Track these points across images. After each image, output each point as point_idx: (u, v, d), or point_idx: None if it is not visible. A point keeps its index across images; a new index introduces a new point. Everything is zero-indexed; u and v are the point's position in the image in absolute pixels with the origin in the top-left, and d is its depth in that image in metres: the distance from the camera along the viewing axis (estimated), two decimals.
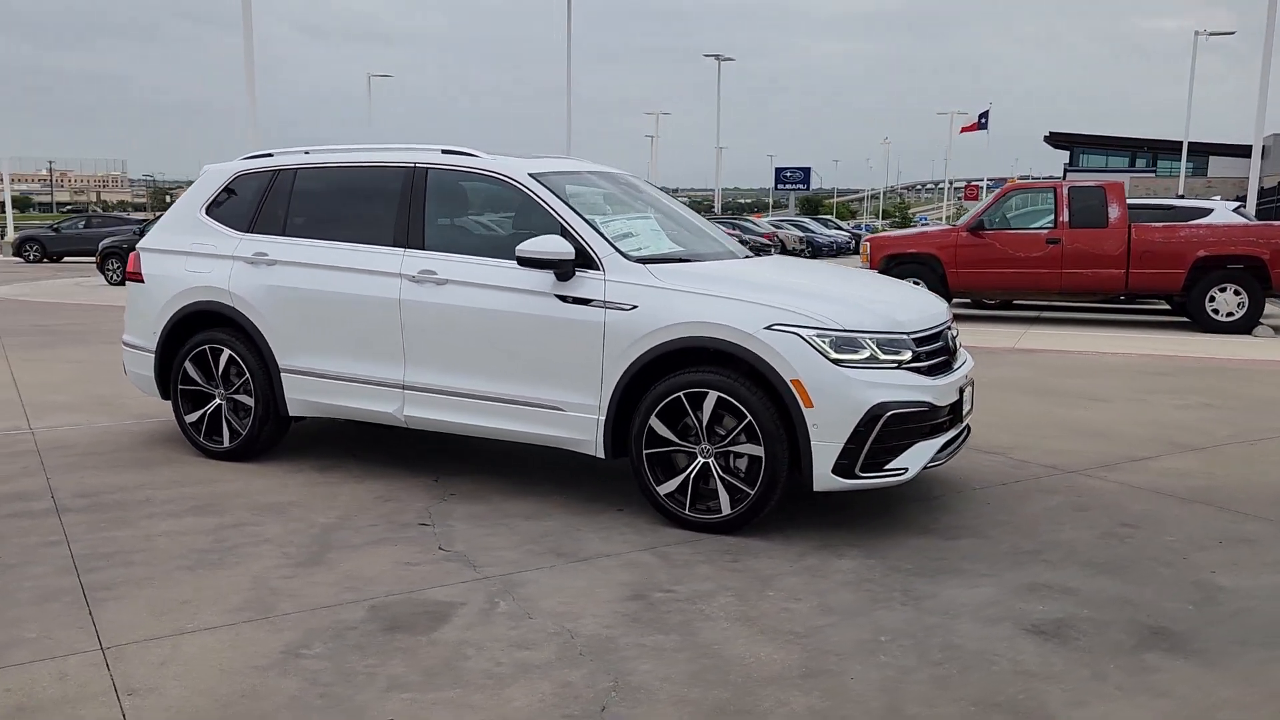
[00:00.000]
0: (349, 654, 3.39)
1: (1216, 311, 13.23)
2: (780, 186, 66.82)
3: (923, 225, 34.03)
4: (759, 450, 4.50)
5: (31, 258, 32.05)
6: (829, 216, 61.16)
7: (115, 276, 20.56)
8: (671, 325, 4.65)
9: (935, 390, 4.62)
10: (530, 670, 3.30)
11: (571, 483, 5.47)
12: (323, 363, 5.52)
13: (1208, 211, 15.06)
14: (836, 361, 4.43)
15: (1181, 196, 25.12)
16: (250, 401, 5.74)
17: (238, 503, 5.08)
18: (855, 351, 4.47)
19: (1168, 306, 15.38)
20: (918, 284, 14.16)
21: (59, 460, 5.88)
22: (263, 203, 5.84)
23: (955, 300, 15.59)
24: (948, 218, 62.65)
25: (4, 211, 40.15)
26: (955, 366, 4.99)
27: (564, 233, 4.95)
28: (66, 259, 31.73)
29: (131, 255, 6.31)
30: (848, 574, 4.19)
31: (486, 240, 5.37)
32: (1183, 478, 5.73)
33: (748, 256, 5.74)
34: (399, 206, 5.40)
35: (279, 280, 5.60)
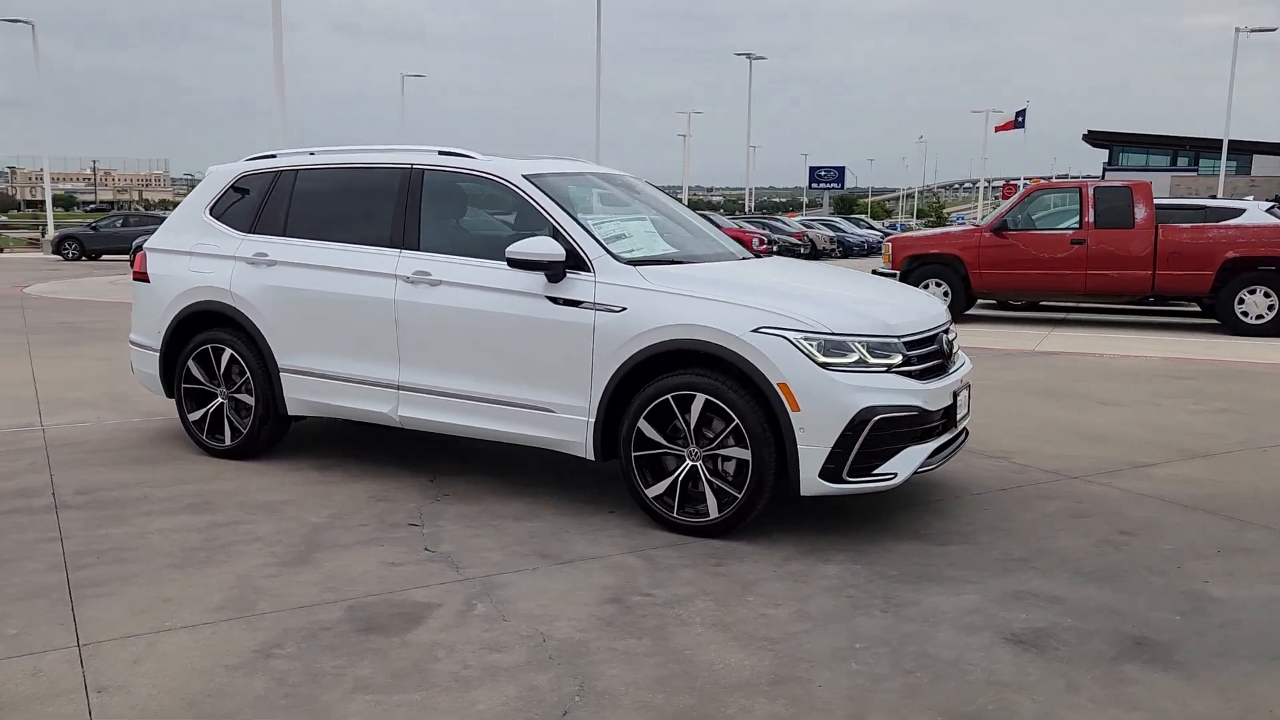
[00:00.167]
0: (320, 654, 3.41)
1: (1246, 314, 13.01)
2: (814, 186, 66.53)
3: (959, 224, 33.65)
4: (746, 454, 4.48)
5: (70, 255, 32.59)
6: (861, 216, 60.75)
7: None
8: (660, 327, 4.63)
9: (926, 394, 4.57)
10: (498, 673, 3.30)
11: (566, 484, 5.47)
12: (320, 363, 5.56)
13: (1240, 212, 14.77)
14: (824, 365, 4.39)
15: (1214, 196, 24.71)
16: (251, 401, 5.79)
17: (233, 501, 5.13)
18: (843, 355, 4.43)
19: (1198, 309, 15.13)
20: (939, 285, 14.05)
21: (65, 457, 5.96)
22: (264, 203, 5.90)
23: (980, 301, 15.45)
24: (983, 217, 62.06)
25: (45, 210, 40.84)
26: (950, 370, 4.93)
27: (555, 234, 4.96)
28: (104, 257, 32.24)
29: (138, 255, 6.39)
30: (831, 580, 4.16)
31: (480, 241, 5.38)
32: (1188, 484, 5.64)
33: (744, 259, 5.70)
34: (395, 207, 5.43)
35: (278, 280, 5.65)
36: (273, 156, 6.08)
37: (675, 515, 4.67)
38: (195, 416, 6.02)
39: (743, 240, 29.28)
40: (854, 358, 4.45)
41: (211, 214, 6.10)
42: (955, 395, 4.85)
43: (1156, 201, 13.77)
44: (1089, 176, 57.63)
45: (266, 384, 5.71)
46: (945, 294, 14.05)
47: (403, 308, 5.25)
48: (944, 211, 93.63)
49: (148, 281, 6.21)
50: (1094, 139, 67.03)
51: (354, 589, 3.99)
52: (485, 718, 3.02)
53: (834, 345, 4.44)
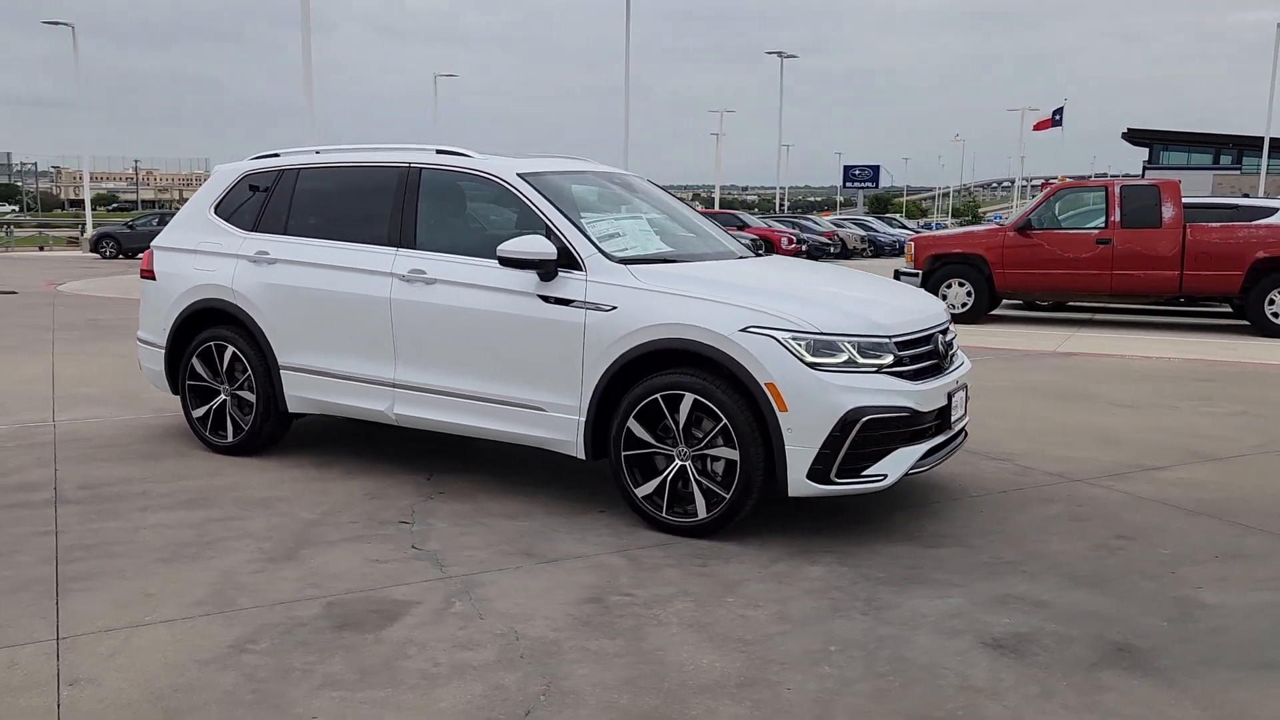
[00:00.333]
0: (293, 650, 3.43)
1: (1276, 315, 12.76)
2: (849, 185, 66.15)
3: (998, 224, 33.25)
4: (734, 454, 4.45)
5: (108, 254, 33.11)
6: (894, 215, 60.32)
7: None
8: (649, 326, 4.61)
9: (918, 395, 4.52)
10: (466, 671, 3.30)
11: (562, 483, 5.47)
12: (318, 360, 5.59)
13: (1272, 211, 14.47)
14: (812, 365, 4.35)
15: (1246, 195, 24.25)
16: (252, 398, 5.84)
17: (229, 497, 5.18)
18: (832, 355, 4.39)
19: (1229, 310, 14.85)
20: (961, 285, 13.89)
21: (72, 452, 6.05)
22: (267, 202, 5.95)
23: (1006, 302, 15.28)
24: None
25: (84, 209, 41.52)
26: (946, 371, 4.87)
27: (549, 233, 4.95)
28: (140, 255, 32.67)
29: (145, 254, 6.47)
30: (815, 581, 4.12)
31: (476, 240, 5.38)
32: (1194, 488, 5.53)
33: (743, 258, 5.66)
34: (393, 206, 5.46)
35: (278, 278, 5.70)
36: (276, 155, 6.13)
37: (664, 515, 4.65)
38: (199, 413, 6.09)
39: (771, 239, 29.14)
40: (843, 358, 4.40)
41: (216, 212, 6.16)
42: (950, 396, 4.79)
43: (1186, 200, 13.53)
44: (1128, 175, 56.77)
45: (267, 381, 5.76)
46: (968, 294, 13.91)
47: (398, 306, 5.28)
48: (979, 211, 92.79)
49: (154, 279, 6.28)
50: (1133, 137, 66.00)
51: (335, 586, 4.01)
52: (447, 716, 3.02)
53: (823, 345, 4.40)
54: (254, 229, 5.93)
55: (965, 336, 12.04)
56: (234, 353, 5.88)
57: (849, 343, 4.43)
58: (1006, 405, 7.84)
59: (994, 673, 3.33)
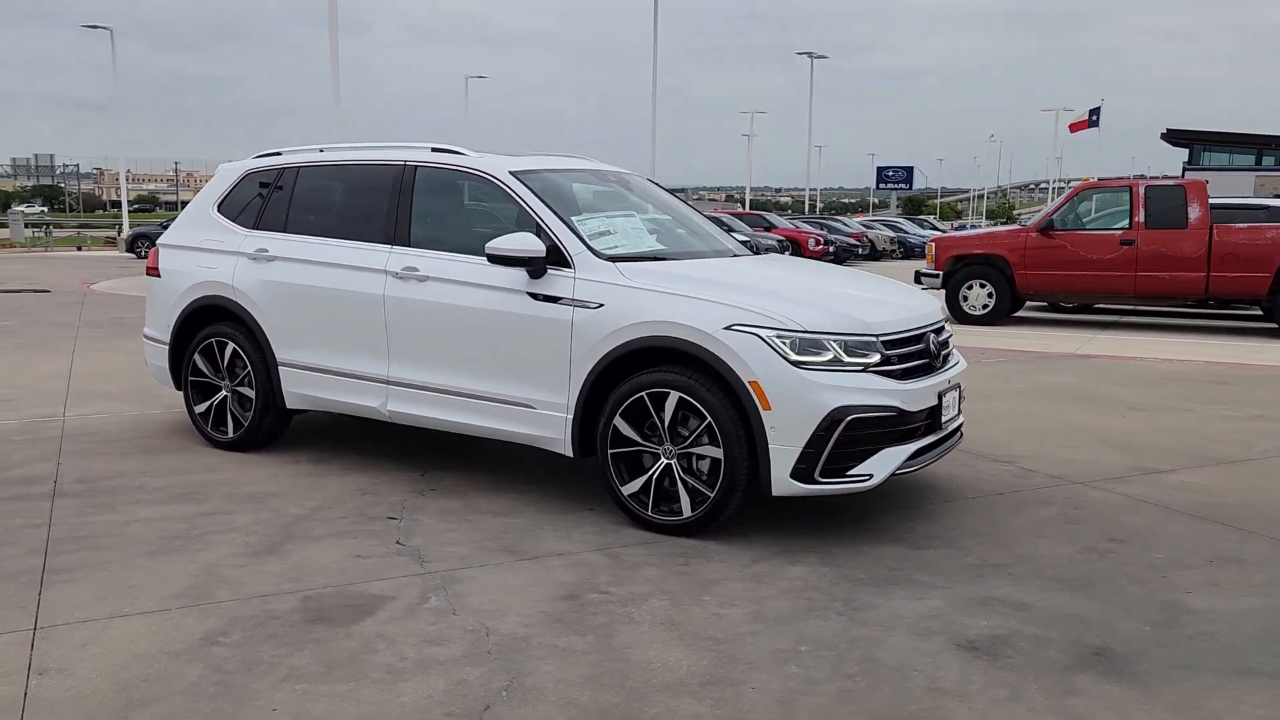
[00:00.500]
0: (262, 643, 3.45)
1: None
2: (882, 186, 65.72)
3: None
4: (719, 452, 4.42)
5: (143, 254, 33.54)
6: (925, 217, 59.85)
7: None
8: (635, 324, 4.60)
9: (905, 395, 4.47)
10: (432, 666, 3.30)
11: (555, 481, 5.47)
12: (315, 357, 5.63)
13: None
14: (796, 363, 4.32)
15: (1278, 195, 23.80)
16: (252, 394, 5.89)
17: (222, 492, 5.22)
18: (817, 353, 4.36)
19: (1260, 312, 14.58)
20: (983, 286, 13.76)
21: (77, 446, 6.13)
22: (268, 200, 6.00)
23: (1030, 304, 15.11)
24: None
25: (122, 211, 42.15)
26: (937, 370, 4.81)
27: (539, 230, 4.96)
28: None
29: (151, 251, 6.54)
30: (795, 581, 4.09)
31: (468, 238, 5.38)
32: (1198, 492, 5.43)
33: (738, 255, 5.63)
34: (389, 204, 5.48)
35: (277, 276, 5.74)
36: (278, 154, 6.18)
37: (650, 513, 4.64)
38: (201, 409, 6.15)
39: (797, 240, 28.99)
40: (828, 356, 4.37)
41: (219, 210, 6.22)
42: (941, 396, 4.73)
43: (1215, 201, 13.30)
44: (1166, 176, 55.90)
45: (266, 378, 5.81)
46: (989, 295, 13.77)
47: (392, 303, 5.30)
48: (1014, 212, 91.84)
49: (159, 276, 6.36)
50: (1173, 137, 64.85)
51: (314, 580, 4.03)
52: (406, 710, 3.02)
53: (808, 343, 4.36)
54: (255, 227, 5.98)
55: (985, 338, 11.99)
56: (234, 349, 5.94)
57: (834, 341, 4.39)
58: (1016, 407, 7.75)
59: (964, 675, 3.29)
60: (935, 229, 44.74)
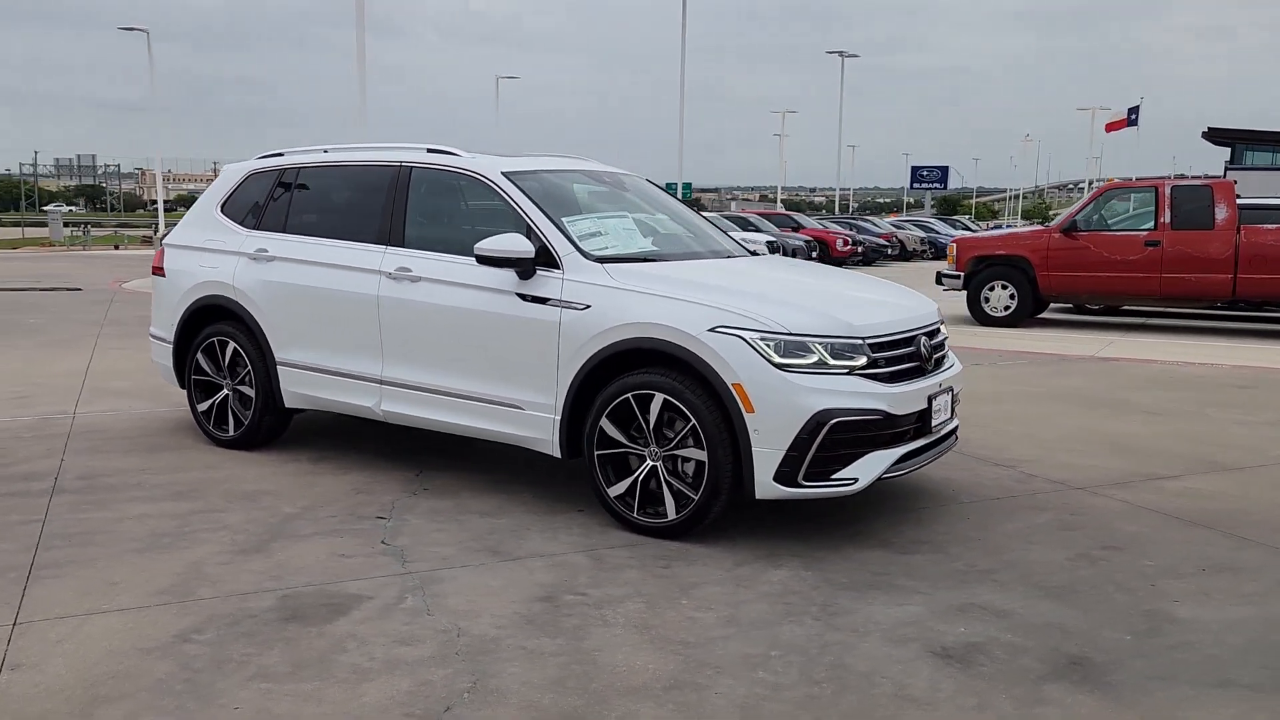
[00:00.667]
0: (234, 642, 3.47)
1: None
2: (916, 186, 65.12)
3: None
4: (703, 455, 4.40)
5: None
6: (958, 217, 59.29)
7: None
8: (621, 325, 4.59)
9: (891, 398, 4.42)
10: (398, 667, 3.31)
11: (545, 482, 5.47)
12: (312, 356, 5.67)
13: None
14: (780, 366, 4.29)
15: None
16: (253, 393, 5.95)
17: (218, 490, 5.27)
18: (802, 356, 4.32)
19: None
20: (1005, 288, 13.59)
21: (82, 443, 6.21)
22: (268, 201, 6.05)
23: (1054, 306, 14.92)
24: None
25: (158, 211, 42.76)
26: (929, 373, 4.76)
27: (529, 231, 4.96)
28: None
29: (157, 251, 6.62)
30: (775, 585, 4.06)
31: (461, 238, 5.39)
32: (1200, 499, 5.33)
33: (733, 257, 5.60)
34: (384, 204, 5.51)
35: (275, 276, 5.79)
36: (280, 155, 6.23)
37: (635, 515, 4.63)
38: (203, 407, 6.22)
39: (826, 241, 28.81)
40: (813, 359, 4.33)
41: (222, 211, 6.28)
42: (931, 399, 4.68)
43: (1243, 202, 13.07)
44: (1211, 176, 55.00)
45: (265, 377, 5.86)
46: (1011, 296, 13.62)
47: (386, 303, 5.33)
48: (1049, 212, 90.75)
49: (164, 276, 6.43)
50: (1215, 136, 63.85)
51: (295, 579, 4.05)
52: (366, 710, 3.03)
53: (792, 346, 4.33)
54: (256, 227, 6.04)
55: (1006, 340, 11.87)
56: (235, 348, 5.99)
57: (819, 344, 4.36)
58: (1025, 410, 7.65)
59: (933, 683, 3.25)
60: (968, 229, 44.31)
